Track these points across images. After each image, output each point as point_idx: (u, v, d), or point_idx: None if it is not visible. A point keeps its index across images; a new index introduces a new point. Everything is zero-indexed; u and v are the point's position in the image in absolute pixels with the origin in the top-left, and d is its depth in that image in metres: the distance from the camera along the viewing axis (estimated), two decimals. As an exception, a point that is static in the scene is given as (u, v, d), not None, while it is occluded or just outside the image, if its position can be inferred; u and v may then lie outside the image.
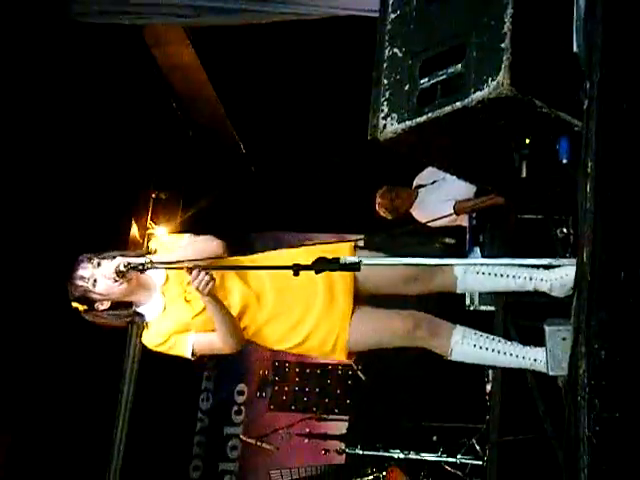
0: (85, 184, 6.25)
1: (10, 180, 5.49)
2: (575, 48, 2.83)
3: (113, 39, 6.16)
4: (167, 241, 3.94)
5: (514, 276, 3.78)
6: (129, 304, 3.71)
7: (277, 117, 7.57)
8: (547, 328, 3.23)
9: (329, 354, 3.84)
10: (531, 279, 3.75)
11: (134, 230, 7.52)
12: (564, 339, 3.13)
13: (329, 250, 3.69)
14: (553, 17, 2.85)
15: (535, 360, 3.60)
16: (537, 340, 3.58)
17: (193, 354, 3.69)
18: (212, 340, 3.68)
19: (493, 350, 3.68)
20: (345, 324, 3.74)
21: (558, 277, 3.68)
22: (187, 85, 7.59)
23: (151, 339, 3.72)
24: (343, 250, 3.76)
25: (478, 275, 3.84)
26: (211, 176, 8.02)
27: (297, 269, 3.05)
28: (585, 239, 2.55)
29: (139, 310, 3.73)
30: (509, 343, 3.72)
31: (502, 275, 3.81)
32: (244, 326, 3.76)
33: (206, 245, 3.68)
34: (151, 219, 7.81)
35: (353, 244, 3.89)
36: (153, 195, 7.83)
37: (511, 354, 3.66)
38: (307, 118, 7.44)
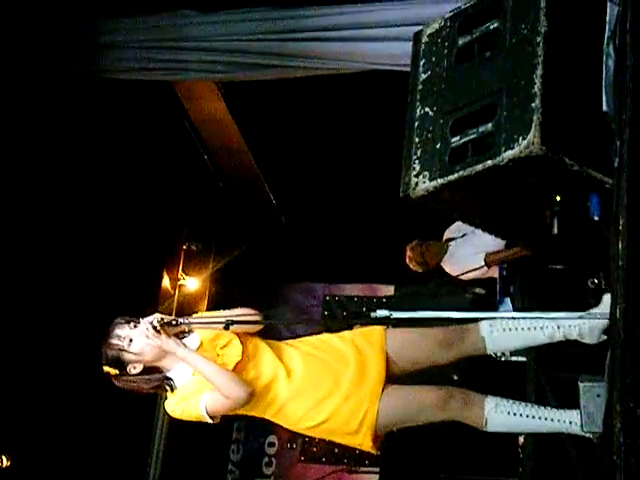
0: (118, 235, 6.32)
1: (46, 232, 5.56)
2: (605, 107, 2.86)
3: (146, 93, 6.26)
4: (204, 316, 3.93)
5: (542, 327, 3.76)
6: (160, 370, 3.73)
7: (308, 169, 7.63)
8: (581, 385, 3.21)
9: (354, 434, 3.72)
10: (559, 327, 3.73)
11: (165, 282, 7.58)
12: (598, 396, 3.12)
13: (362, 332, 3.79)
14: (582, 77, 2.89)
15: (571, 423, 3.57)
16: (569, 391, 3.57)
17: (209, 414, 3.61)
18: (220, 396, 3.60)
19: (527, 416, 3.66)
20: (374, 401, 3.68)
21: (587, 322, 3.65)
22: (218, 137, 7.68)
23: (170, 404, 3.70)
24: (376, 332, 3.81)
25: (505, 332, 3.81)
26: (242, 227, 8.08)
27: (329, 325, 3.09)
28: (618, 296, 2.56)
29: (169, 375, 3.73)
30: (543, 407, 3.70)
31: (529, 329, 3.78)
32: (269, 400, 3.71)
33: (243, 312, 3.71)
34: (182, 270, 7.85)
35: (385, 328, 3.88)
36: (185, 247, 7.88)
37: (546, 418, 3.64)
38: (337, 170, 7.49)
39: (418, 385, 3.82)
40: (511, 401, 3.72)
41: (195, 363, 3.64)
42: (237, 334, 3.74)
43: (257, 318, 3.73)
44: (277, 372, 3.72)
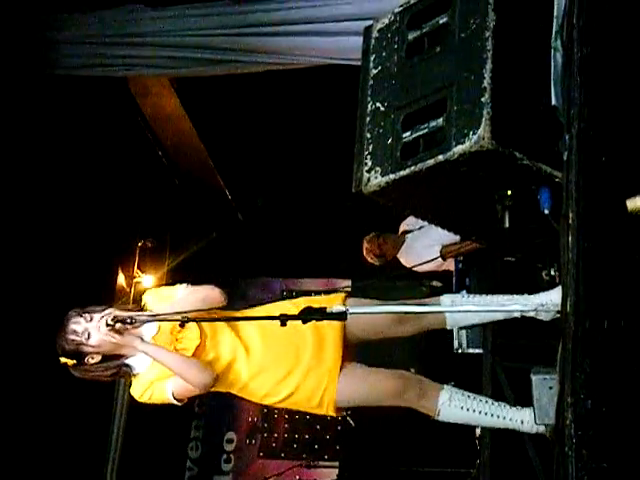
0: (72, 233, 6.26)
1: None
2: (554, 101, 2.88)
3: (98, 88, 6.21)
4: (163, 292, 3.92)
5: (500, 307, 3.80)
6: (118, 357, 3.71)
7: (263, 164, 7.62)
8: (534, 377, 3.23)
9: (316, 408, 3.82)
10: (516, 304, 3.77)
11: (121, 279, 7.52)
12: (551, 388, 3.14)
13: (319, 301, 3.72)
14: (531, 71, 2.91)
15: (522, 422, 3.63)
16: (524, 382, 3.59)
17: (175, 398, 3.65)
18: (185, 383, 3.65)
19: (480, 412, 3.70)
20: (333, 378, 3.74)
21: (543, 301, 3.65)
22: (173, 133, 7.63)
23: (137, 390, 3.71)
24: (333, 301, 3.77)
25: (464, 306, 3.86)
26: (198, 224, 8.04)
27: (284, 319, 3.09)
28: (567, 289, 2.58)
29: (128, 362, 3.72)
30: (496, 404, 3.73)
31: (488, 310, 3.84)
32: (232, 379, 3.75)
33: (207, 294, 3.72)
34: (138, 267, 7.80)
35: (344, 295, 3.91)
36: (140, 243, 7.82)
37: (498, 416, 3.68)
38: (292, 165, 7.49)
39: (377, 368, 3.86)
40: (466, 394, 3.76)
41: (155, 355, 3.63)
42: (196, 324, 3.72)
43: (222, 300, 3.72)
44: (237, 352, 3.73)
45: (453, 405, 3.71)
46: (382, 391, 3.76)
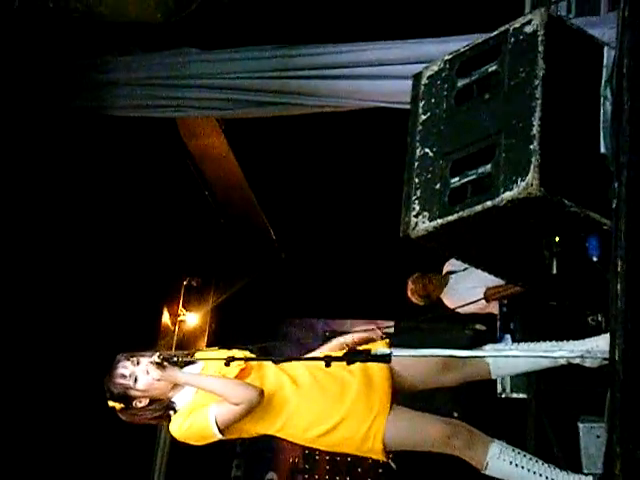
0: (121, 272, 6.33)
1: (50, 269, 5.58)
2: (602, 149, 2.88)
3: (148, 130, 6.29)
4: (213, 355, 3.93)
5: (544, 353, 3.76)
6: (165, 400, 3.75)
7: (308, 204, 7.65)
8: (581, 425, 3.22)
9: (361, 447, 3.75)
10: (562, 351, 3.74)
11: (165, 317, 7.57)
12: (598, 437, 3.12)
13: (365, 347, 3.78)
14: (580, 119, 2.92)
15: None
16: (570, 430, 3.56)
17: (218, 426, 3.59)
18: (230, 405, 3.60)
19: (529, 470, 3.62)
20: (382, 418, 3.71)
21: (589, 348, 3.63)
22: (219, 174, 7.70)
23: (175, 423, 3.69)
24: (378, 346, 3.81)
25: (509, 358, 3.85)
26: (242, 263, 8.09)
27: (328, 360, 3.10)
28: (616, 337, 2.57)
29: (172, 399, 3.76)
30: (546, 465, 3.65)
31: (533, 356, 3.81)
32: (277, 409, 3.72)
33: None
34: (183, 306, 7.85)
35: (387, 341, 3.92)
36: (185, 282, 7.88)
37: (547, 477, 3.60)
38: (337, 206, 7.52)
39: (426, 414, 3.84)
40: (516, 451, 3.69)
41: (198, 382, 3.69)
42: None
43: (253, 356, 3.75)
44: (282, 380, 3.76)
45: (502, 459, 3.65)
46: (430, 435, 3.74)
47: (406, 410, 3.82)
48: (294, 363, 3.81)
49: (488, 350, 3.88)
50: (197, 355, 3.87)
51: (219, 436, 3.63)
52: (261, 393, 3.63)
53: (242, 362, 3.68)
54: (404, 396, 3.96)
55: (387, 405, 3.74)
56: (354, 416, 3.72)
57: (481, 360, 3.89)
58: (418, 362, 3.88)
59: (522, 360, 3.87)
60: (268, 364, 3.79)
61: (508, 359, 3.88)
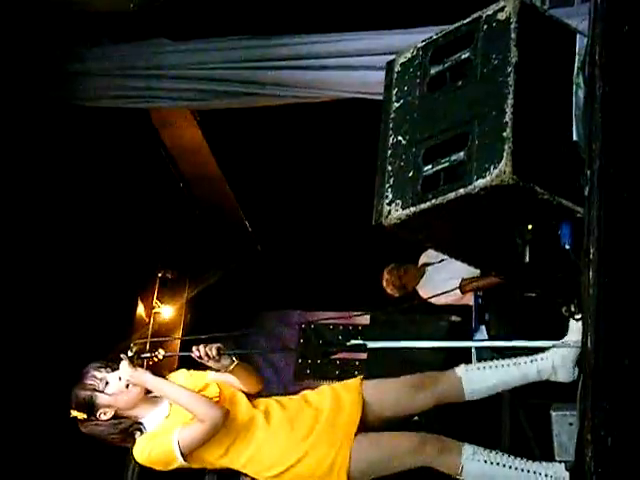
0: (92, 263, 6.28)
1: (19, 260, 5.51)
2: (575, 137, 2.88)
3: (120, 120, 6.25)
4: (193, 374, 3.93)
5: (515, 364, 3.81)
6: (130, 418, 3.72)
7: (283, 196, 7.64)
8: (553, 413, 3.23)
9: (326, 478, 3.67)
10: (532, 362, 3.78)
11: (140, 309, 7.53)
12: (571, 424, 3.12)
13: (337, 388, 3.88)
14: (553, 106, 2.91)
15: (546, 476, 3.54)
16: (543, 418, 3.56)
17: (181, 450, 3.53)
18: (193, 425, 3.57)
19: (504, 465, 3.60)
20: (345, 449, 3.66)
21: (559, 352, 3.71)
22: (193, 165, 7.66)
23: (138, 446, 3.64)
24: (351, 385, 3.88)
25: (479, 370, 3.85)
26: (217, 255, 8.06)
27: (303, 352, 3.09)
28: (588, 326, 2.57)
29: (140, 421, 3.72)
30: (520, 459, 3.64)
31: (504, 366, 3.83)
32: (245, 442, 3.70)
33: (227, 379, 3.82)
34: (157, 298, 7.81)
35: (361, 378, 3.94)
36: (160, 274, 7.84)
37: (522, 469, 3.58)
38: (312, 197, 7.51)
39: (393, 432, 3.81)
40: (488, 450, 3.67)
41: (166, 390, 3.65)
42: (217, 384, 3.80)
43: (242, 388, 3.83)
44: (254, 415, 3.74)
45: (477, 460, 3.61)
46: (401, 446, 3.69)
47: (370, 434, 3.76)
48: (266, 401, 3.84)
49: (460, 369, 3.87)
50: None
51: (181, 461, 3.56)
52: (226, 414, 3.60)
53: (217, 394, 3.72)
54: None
55: (351, 436, 3.70)
56: (316, 451, 3.68)
57: (454, 378, 3.88)
58: (390, 385, 3.90)
59: (493, 374, 3.86)
60: (242, 398, 3.79)
61: (481, 375, 3.86)
